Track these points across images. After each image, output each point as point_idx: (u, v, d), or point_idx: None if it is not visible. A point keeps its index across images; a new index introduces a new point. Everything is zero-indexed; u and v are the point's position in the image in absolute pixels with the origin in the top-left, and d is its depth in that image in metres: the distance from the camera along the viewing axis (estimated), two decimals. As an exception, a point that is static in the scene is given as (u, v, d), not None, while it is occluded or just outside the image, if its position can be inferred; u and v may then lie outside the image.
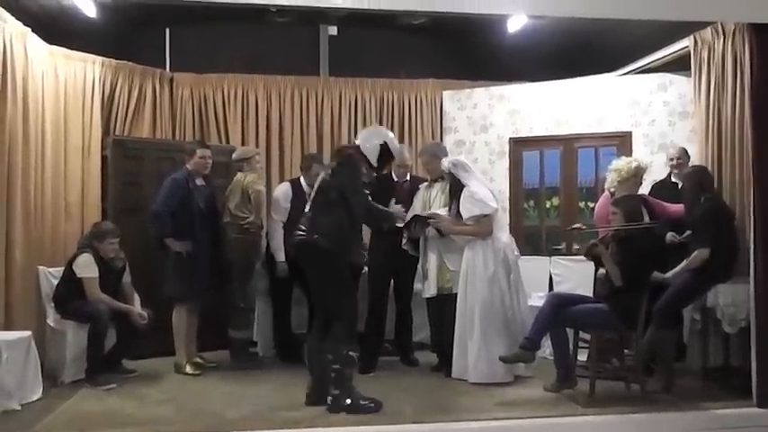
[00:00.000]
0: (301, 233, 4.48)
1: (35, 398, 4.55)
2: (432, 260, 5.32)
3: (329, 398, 4.37)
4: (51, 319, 5.27)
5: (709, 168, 5.28)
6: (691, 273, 4.79)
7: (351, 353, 4.36)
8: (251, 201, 5.57)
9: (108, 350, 5.19)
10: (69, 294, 5.13)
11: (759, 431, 4.37)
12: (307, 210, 4.60)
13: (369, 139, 4.69)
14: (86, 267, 5.11)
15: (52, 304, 5.27)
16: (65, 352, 5.05)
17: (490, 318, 5.00)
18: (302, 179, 5.87)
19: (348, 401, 4.33)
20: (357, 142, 4.74)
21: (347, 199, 4.41)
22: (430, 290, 5.33)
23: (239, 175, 5.68)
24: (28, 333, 4.65)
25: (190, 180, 5.45)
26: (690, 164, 5.54)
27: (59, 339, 5.13)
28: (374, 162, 4.64)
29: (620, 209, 4.80)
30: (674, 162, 5.58)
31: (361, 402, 4.34)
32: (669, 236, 5.16)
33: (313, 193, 4.66)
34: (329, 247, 4.35)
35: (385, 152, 4.65)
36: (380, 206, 4.85)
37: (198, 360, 5.55)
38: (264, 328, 6.08)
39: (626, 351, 4.92)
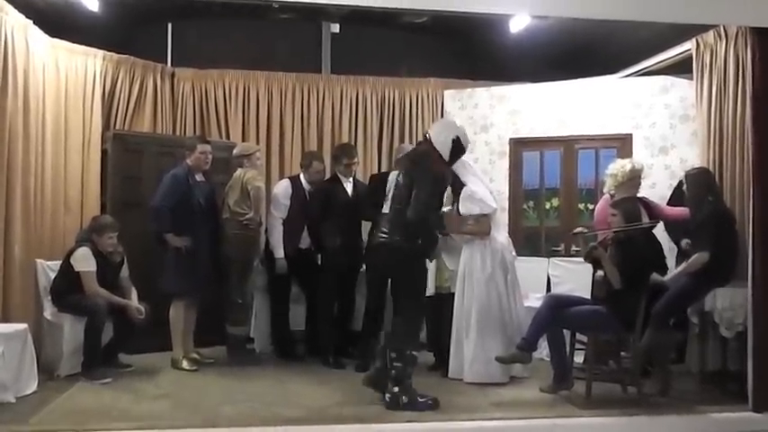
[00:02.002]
0: (383, 235, 4.50)
1: (30, 391, 4.55)
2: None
3: (387, 395, 4.41)
4: (48, 312, 5.27)
5: (710, 172, 5.29)
6: (689, 276, 4.79)
7: (413, 352, 4.41)
8: (250, 197, 5.56)
9: (105, 344, 5.18)
10: (67, 288, 5.13)
11: (754, 436, 4.37)
12: (385, 210, 4.61)
13: (441, 134, 4.59)
14: (84, 261, 5.10)
15: (50, 297, 5.27)
16: (62, 345, 5.04)
17: (487, 318, 5.00)
18: (302, 176, 5.88)
19: (405, 399, 4.36)
20: (429, 136, 4.63)
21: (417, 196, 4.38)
22: (428, 289, 5.32)
23: (239, 172, 5.67)
24: (24, 326, 4.65)
25: (189, 176, 5.44)
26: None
27: (56, 333, 5.13)
28: (446, 157, 4.56)
29: (620, 211, 4.80)
30: None
31: (420, 400, 4.39)
32: (683, 243, 5.16)
33: (390, 193, 4.63)
34: (411, 247, 4.38)
35: (457, 146, 4.57)
36: (439, 214, 4.67)
37: (195, 356, 5.54)
38: (262, 324, 6.07)
39: (623, 353, 4.92)
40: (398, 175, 4.64)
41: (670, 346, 5.08)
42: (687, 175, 5.15)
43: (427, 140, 4.61)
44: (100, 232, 5.20)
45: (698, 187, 4.95)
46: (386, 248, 4.50)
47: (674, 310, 4.95)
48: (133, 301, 5.27)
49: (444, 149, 4.53)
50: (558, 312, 4.69)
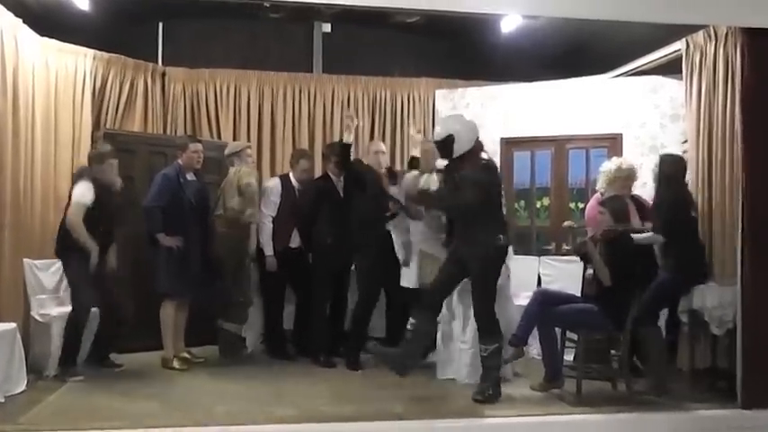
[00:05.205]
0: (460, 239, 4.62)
1: (19, 390, 4.53)
2: (415, 248, 5.31)
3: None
4: (37, 312, 5.24)
5: (700, 172, 5.32)
6: (665, 275, 4.89)
7: (497, 345, 4.54)
8: (244, 194, 5.56)
9: (92, 341, 5.17)
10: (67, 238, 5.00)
11: (744, 433, 4.40)
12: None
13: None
14: (81, 193, 4.94)
15: (38, 297, 5.24)
16: (50, 345, 5.01)
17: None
18: (291, 174, 5.87)
19: (491, 392, 4.49)
20: None
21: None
22: (411, 280, 5.31)
23: (233, 170, 5.68)
24: (13, 325, 4.62)
25: (181, 175, 5.43)
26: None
27: (45, 332, 5.09)
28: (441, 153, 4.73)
29: (607, 209, 4.83)
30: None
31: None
32: None
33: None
34: (476, 249, 4.52)
35: (446, 142, 4.58)
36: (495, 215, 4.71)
37: (185, 355, 5.52)
38: (253, 323, 6.04)
39: (613, 351, 4.93)
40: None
41: (662, 347, 5.07)
42: (661, 157, 5.27)
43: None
44: (100, 161, 5.10)
45: (667, 170, 5.07)
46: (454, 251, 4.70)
47: (653, 309, 4.94)
48: (110, 256, 5.17)
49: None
50: (548, 309, 4.70)
